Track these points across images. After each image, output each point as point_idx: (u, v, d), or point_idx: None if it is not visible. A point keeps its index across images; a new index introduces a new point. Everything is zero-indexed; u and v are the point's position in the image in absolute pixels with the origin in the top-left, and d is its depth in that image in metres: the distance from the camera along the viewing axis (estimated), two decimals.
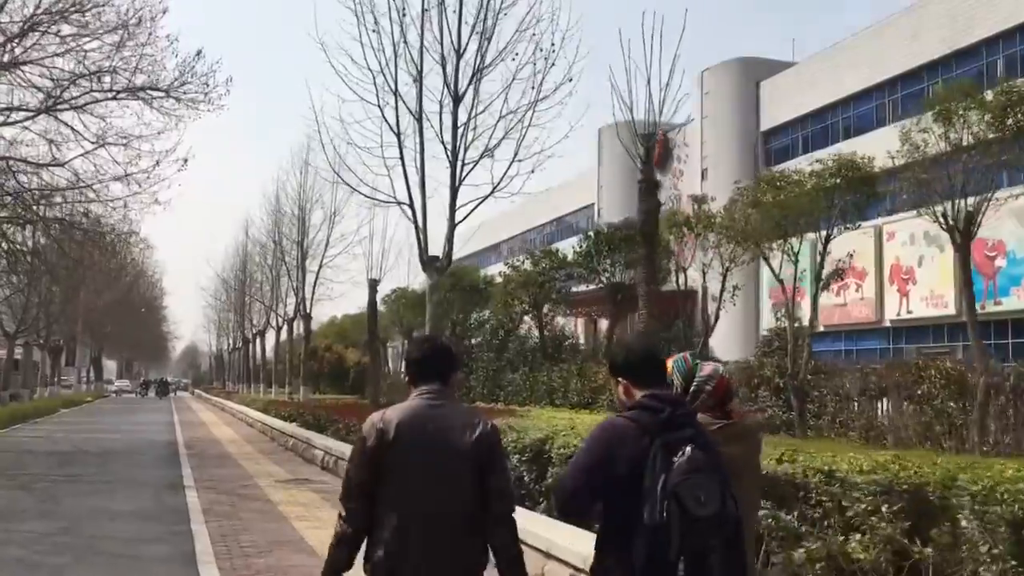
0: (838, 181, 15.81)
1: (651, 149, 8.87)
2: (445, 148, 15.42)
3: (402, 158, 15.47)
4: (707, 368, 3.55)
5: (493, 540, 3.49)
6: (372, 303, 21.41)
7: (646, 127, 8.73)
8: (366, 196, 15.73)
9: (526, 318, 31.64)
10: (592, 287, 29.36)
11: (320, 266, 33.36)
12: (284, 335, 42.83)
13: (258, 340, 54.03)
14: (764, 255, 17.90)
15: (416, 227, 15.65)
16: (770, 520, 6.16)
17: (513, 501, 3.62)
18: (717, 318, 21.99)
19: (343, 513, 3.54)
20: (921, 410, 13.64)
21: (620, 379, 3.29)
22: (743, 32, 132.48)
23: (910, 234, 37.86)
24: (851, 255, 18.94)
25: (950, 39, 36.87)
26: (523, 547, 3.62)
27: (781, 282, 17.52)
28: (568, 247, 35.78)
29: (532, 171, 14.97)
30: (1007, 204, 16.47)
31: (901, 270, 39.55)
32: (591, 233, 27.57)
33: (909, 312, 38.72)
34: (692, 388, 3.48)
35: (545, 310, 30.15)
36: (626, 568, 2.94)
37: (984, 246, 35.12)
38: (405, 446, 3.42)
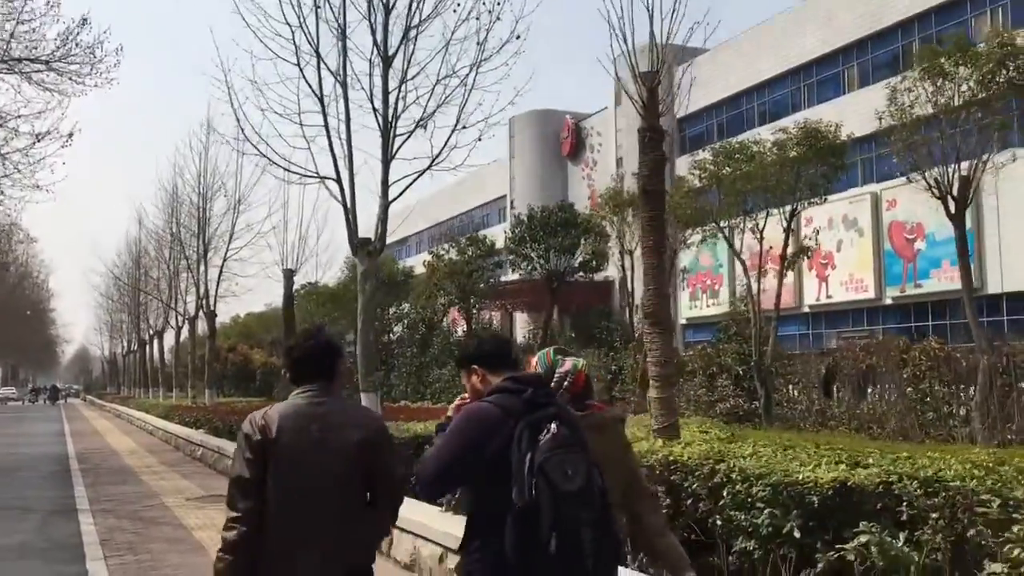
0: (805, 151, 14.74)
1: (655, 90, 7.38)
2: (376, 115, 13.66)
3: (326, 126, 13.64)
4: (567, 363, 3.55)
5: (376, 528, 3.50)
6: (288, 296, 19.43)
7: (651, 62, 7.26)
8: (285, 169, 13.82)
9: (451, 311, 29.84)
10: (523, 275, 27.82)
11: (224, 259, 30.88)
12: (185, 335, 39.99)
13: (155, 341, 50.73)
14: (724, 234, 16.80)
15: (345, 206, 13.84)
16: (874, 548, 4.74)
17: (398, 501, 3.54)
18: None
19: (236, 515, 3.28)
20: (904, 395, 12.59)
21: (475, 367, 3.33)
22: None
23: (828, 218, 37.68)
24: (817, 231, 17.96)
25: (865, 23, 36.79)
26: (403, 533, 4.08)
27: (743, 262, 16.40)
28: (497, 234, 34.03)
29: (479, 138, 13.41)
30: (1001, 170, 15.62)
31: (819, 255, 39.35)
32: (524, 216, 26.01)
33: (829, 297, 38.57)
34: (552, 384, 3.47)
35: (471, 302, 28.42)
36: (496, 551, 2.91)
37: (903, 229, 35.15)
38: (288, 447, 3.30)
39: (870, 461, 5.79)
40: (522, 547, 2.84)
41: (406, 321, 33.04)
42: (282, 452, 3.29)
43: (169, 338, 47.35)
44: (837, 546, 4.95)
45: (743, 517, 5.59)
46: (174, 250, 36.03)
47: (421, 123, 13.41)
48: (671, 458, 6.31)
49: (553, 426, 2.93)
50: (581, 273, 25.25)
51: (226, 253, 30.83)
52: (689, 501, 6.14)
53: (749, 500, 5.57)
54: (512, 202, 59.03)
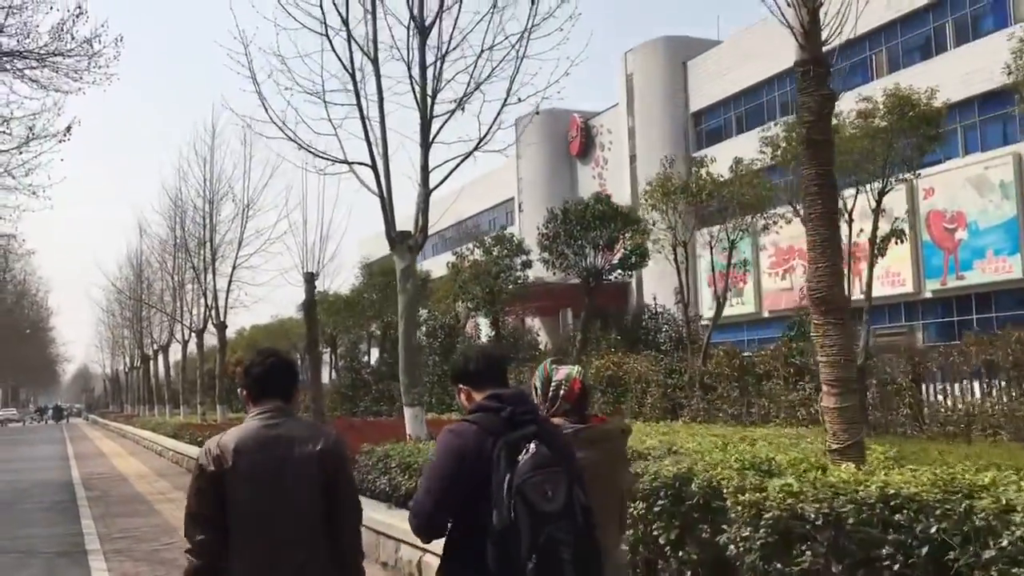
0: (896, 120, 13.18)
1: (816, 12, 5.80)
2: (414, 91, 12.05)
3: (359, 105, 12.00)
4: (561, 372, 3.53)
5: (338, 550, 3.41)
6: (310, 302, 17.80)
7: None
8: (313, 154, 12.18)
9: (473, 315, 28.16)
10: (556, 275, 26.01)
11: (233, 267, 29.23)
12: (192, 349, 38.30)
13: (160, 357, 48.95)
14: (803, 220, 15.24)
15: (381, 195, 12.19)
16: None
17: (360, 513, 3.55)
18: (725, 299, 19.20)
19: (190, 547, 3.33)
20: None
21: (461, 386, 3.31)
22: (665, 10, 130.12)
23: (859, 210, 36.14)
24: (903, 218, 16.36)
25: (895, 3, 35.17)
26: (380, 537, 4.18)
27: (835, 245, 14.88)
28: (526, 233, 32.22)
29: (537, 112, 11.81)
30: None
31: (847, 249, 37.82)
32: (558, 211, 24.34)
33: (863, 292, 36.93)
34: (550, 394, 3.50)
35: (498, 306, 26.58)
36: (475, 570, 2.91)
37: (943, 218, 33.51)
38: (245, 473, 3.28)
39: None
40: (502, 568, 2.83)
41: (425, 328, 31.42)
42: (240, 478, 3.28)
43: (174, 353, 45.73)
44: None
45: None
46: (178, 259, 34.37)
47: (465, 99, 11.78)
48: (890, 491, 4.67)
49: (532, 446, 2.91)
50: (619, 271, 23.64)
51: (235, 260, 29.23)
52: (924, 550, 4.49)
53: None
54: (520, 204, 57.48)
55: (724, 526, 4.90)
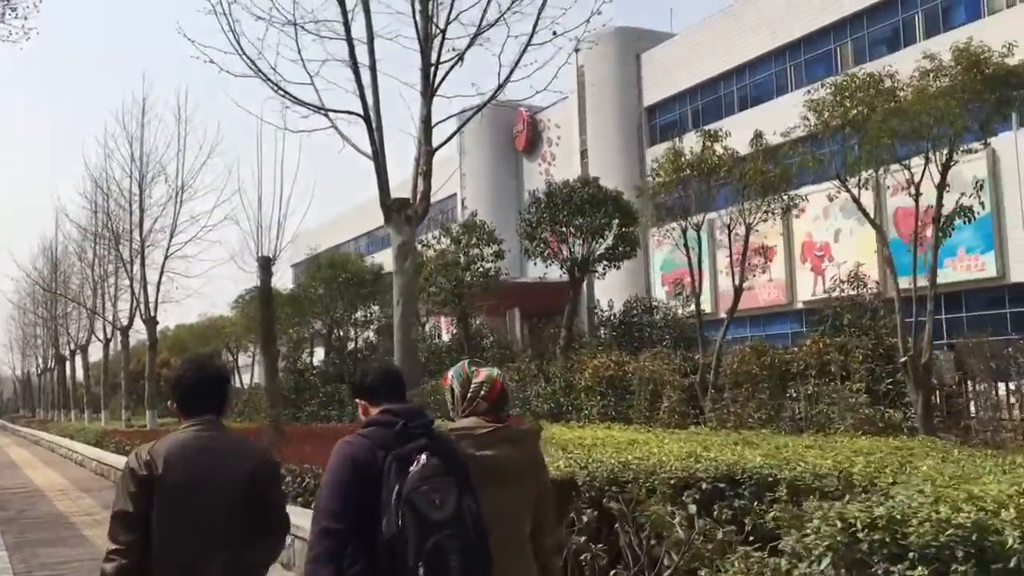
0: (970, 79, 11.55)
1: None
2: (416, 25, 9.86)
3: (349, 40, 9.74)
4: (481, 373, 3.47)
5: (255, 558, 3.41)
6: (266, 289, 15.43)
7: None
8: (293, 100, 9.88)
9: (436, 312, 25.88)
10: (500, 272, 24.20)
11: (166, 257, 26.45)
12: (114, 348, 35.08)
13: (78, 357, 45.31)
14: (854, 197, 13.55)
15: (375, 153, 9.95)
16: None
17: (287, 529, 3.51)
18: (742, 290, 17.42)
19: (117, 547, 3.26)
20: None
21: (358, 400, 3.37)
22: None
23: (823, 207, 34.97)
24: (981, 185, 14.82)
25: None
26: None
27: (878, 227, 13.15)
28: None
29: (576, 49, 9.61)
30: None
31: (814, 247, 36.71)
32: (540, 195, 22.23)
33: (826, 292, 35.80)
34: (469, 394, 3.43)
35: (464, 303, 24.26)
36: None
37: (912, 215, 32.57)
38: (175, 482, 3.27)
39: None
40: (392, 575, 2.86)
41: (376, 325, 29.01)
42: (169, 487, 3.26)
43: (94, 353, 42.23)
44: None
45: None
46: (99, 247, 31.24)
47: (481, 33, 9.64)
48: None
49: (423, 457, 2.94)
50: (606, 261, 21.74)
51: (168, 250, 26.45)
52: None
53: None
54: (463, 200, 55.48)
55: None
